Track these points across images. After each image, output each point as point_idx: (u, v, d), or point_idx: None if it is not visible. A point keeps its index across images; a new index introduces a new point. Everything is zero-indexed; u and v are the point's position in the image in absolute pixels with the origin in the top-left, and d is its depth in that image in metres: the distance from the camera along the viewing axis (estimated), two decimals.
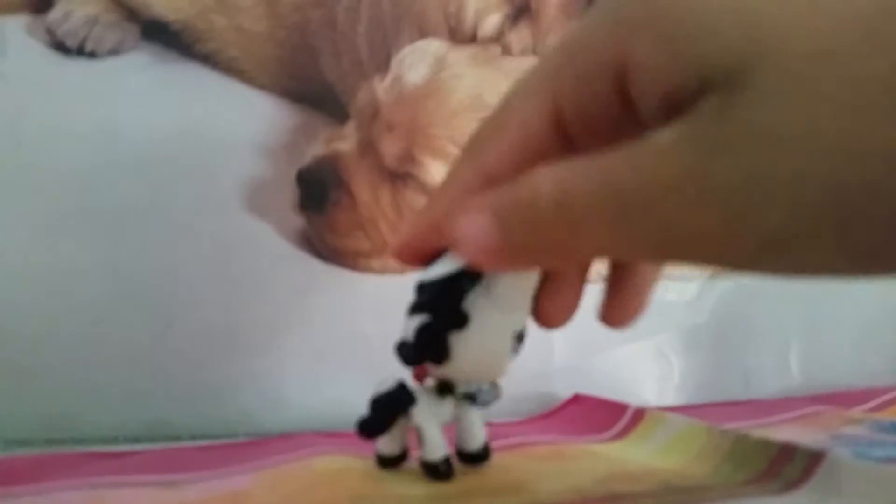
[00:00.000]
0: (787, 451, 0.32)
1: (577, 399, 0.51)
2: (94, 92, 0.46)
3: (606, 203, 0.16)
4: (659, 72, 0.16)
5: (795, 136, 0.14)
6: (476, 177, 0.20)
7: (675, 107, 0.16)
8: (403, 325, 0.25)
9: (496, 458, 0.36)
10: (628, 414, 0.44)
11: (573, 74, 0.18)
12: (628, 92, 0.17)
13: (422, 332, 0.25)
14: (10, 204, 0.42)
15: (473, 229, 0.18)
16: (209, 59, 0.50)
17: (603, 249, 0.17)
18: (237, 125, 0.48)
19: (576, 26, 0.19)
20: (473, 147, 0.21)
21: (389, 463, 0.30)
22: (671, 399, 0.59)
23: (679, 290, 0.62)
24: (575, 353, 0.57)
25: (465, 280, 0.24)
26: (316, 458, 0.32)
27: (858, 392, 0.58)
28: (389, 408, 0.28)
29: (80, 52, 0.47)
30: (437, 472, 0.29)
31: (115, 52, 0.48)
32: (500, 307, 0.25)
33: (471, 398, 0.30)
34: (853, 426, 0.45)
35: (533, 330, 0.58)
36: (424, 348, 0.25)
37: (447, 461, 0.29)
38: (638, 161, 0.16)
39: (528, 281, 0.25)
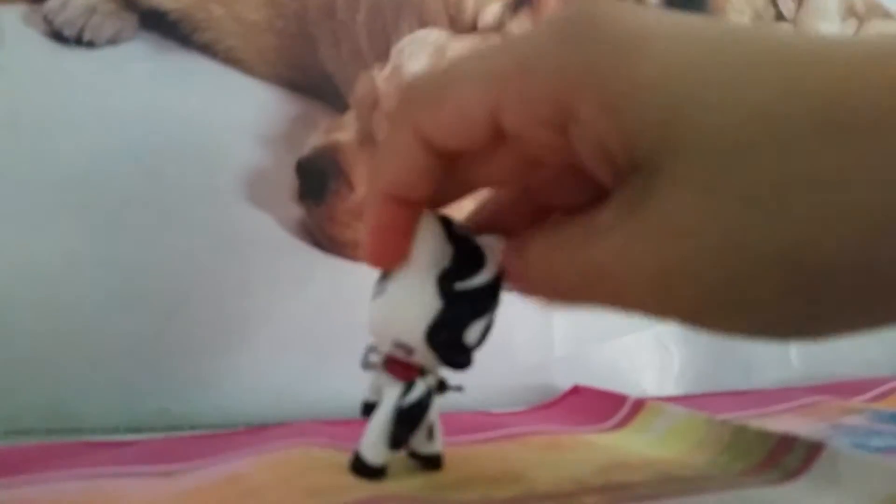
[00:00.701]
0: (786, 442, 0.32)
1: (576, 390, 0.51)
2: (92, 82, 0.45)
3: (571, 273, 0.19)
4: (600, 138, 0.18)
5: (694, 230, 0.16)
6: (417, 145, 0.21)
7: (612, 166, 0.18)
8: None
9: (495, 448, 0.36)
10: (627, 404, 0.44)
11: (519, 90, 0.19)
12: (568, 133, 0.19)
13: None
14: (9, 195, 0.42)
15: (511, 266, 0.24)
16: (207, 49, 0.50)
17: (580, 304, 0.21)
18: (236, 115, 0.48)
19: (524, 37, 0.20)
20: (410, 111, 0.22)
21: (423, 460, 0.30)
22: (671, 389, 0.59)
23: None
24: (575, 344, 0.57)
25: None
26: (315, 447, 0.32)
27: (858, 382, 0.59)
28: (422, 412, 0.28)
29: (78, 41, 0.47)
30: (440, 462, 0.30)
31: (113, 41, 0.48)
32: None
33: (442, 386, 0.29)
34: (852, 416, 0.45)
35: (533, 321, 0.58)
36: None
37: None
38: (587, 241, 0.18)
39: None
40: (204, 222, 0.46)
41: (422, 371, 0.28)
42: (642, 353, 0.60)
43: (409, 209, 0.24)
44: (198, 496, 0.27)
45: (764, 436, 0.33)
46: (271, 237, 0.46)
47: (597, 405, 0.46)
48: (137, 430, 0.41)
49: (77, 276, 0.43)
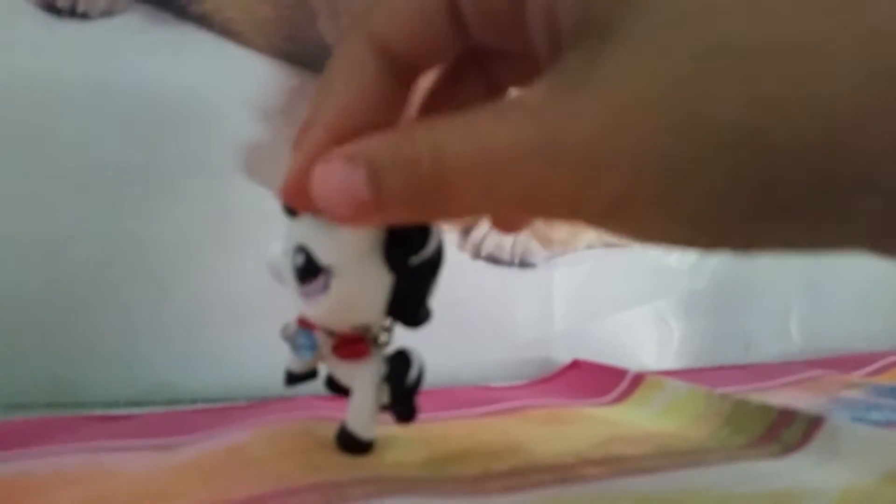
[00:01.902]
0: (786, 416, 0.32)
1: (576, 364, 0.52)
2: (87, 54, 0.45)
3: (477, 166, 0.16)
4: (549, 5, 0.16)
5: (641, 102, 0.14)
6: (373, 57, 0.19)
7: (555, 35, 0.16)
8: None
9: (495, 422, 0.36)
10: (627, 378, 0.44)
11: None
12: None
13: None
14: (4, 169, 0.41)
15: (342, 181, 0.17)
16: (204, 21, 0.49)
17: (476, 208, 0.17)
18: (232, 87, 0.48)
19: None
20: (363, 20, 0.20)
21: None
22: (671, 364, 0.60)
23: (679, 255, 0.61)
24: (574, 319, 0.57)
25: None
26: (315, 421, 0.32)
27: (857, 356, 0.59)
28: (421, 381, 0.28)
29: (73, 13, 0.46)
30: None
31: (107, 13, 0.47)
32: None
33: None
34: (852, 390, 0.45)
35: (533, 295, 0.58)
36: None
37: None
38: (506, 122, 0.16)
39: None
40: (202, 195, 0.46)
41: (375, 341, 0.27)
42: (642, 328, 0.60)
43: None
44: (198, 468, 0.27)
45: (764, 409, 0.33)
46: (269, 210, 0.46)
47: (596, 379, 0.46)
48: (137, 403, 0.41)
49: (75, 250, 0.42)
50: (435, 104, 0.23)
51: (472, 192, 0.16)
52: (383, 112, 0.20)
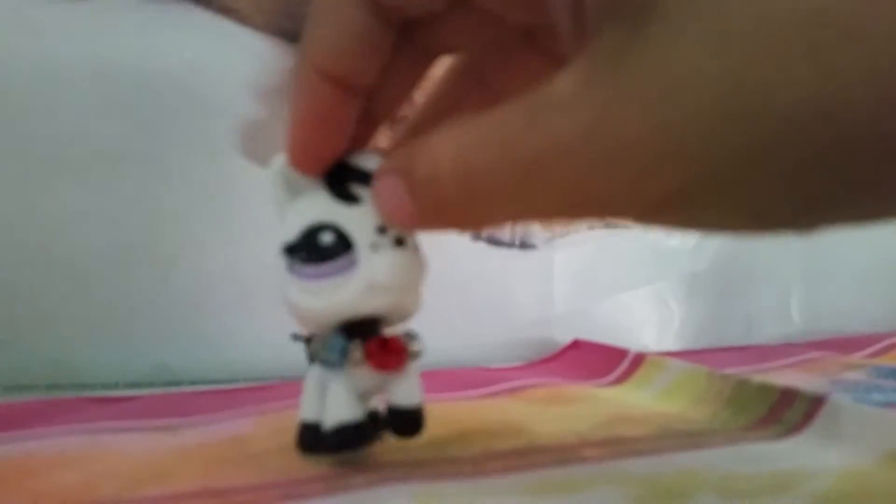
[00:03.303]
0: (787, 396, 0.32)
1: (576, 344, 0.52)
2: (83, 33, 0.44)
3: (507, 172, 0.15)
4: None
5: (697, 87, 0.12)
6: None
7: (581, 16, 0.14)
8: None
9: (496, 403, 0.36)
10: (628, 359, 0.44)
11: None
12: None
13: None
14: (1, 150, 0.41)
15: (390, 193, 0.18)
16: None
17: (512, 216, 0.16)
18: (231, 67, 0.47)
19: None
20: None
21: None
22: (671, 345, 0.60)
23: (680, 236, 0.61)
24: (575, 300, 0.57)
25: None
26: None
27: (859, 338, 0.59)
28: None
29: None
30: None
31: None
32: None
33: None
34: (853, 371, 0.45)
35: (533, 276, 0.58)
36: None
37: None
38: (535, 120, 0.14)
39: None
40: (201, 177, 0.45)
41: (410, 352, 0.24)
42: (643, 309, 0.60)
43: (348, 96, 0.19)
44: (199, 453, 0.27)
45: (765, 390, 0.33)
46: (268, 191, 0.46)
47: (597, 359, 0.46)
48: (137, 385, 0.41)
49: (74, 232, 0.42)
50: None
51: (506, 202, 0.15)
52: (372, 52, 0.19)
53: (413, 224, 0.18)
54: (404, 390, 0.25)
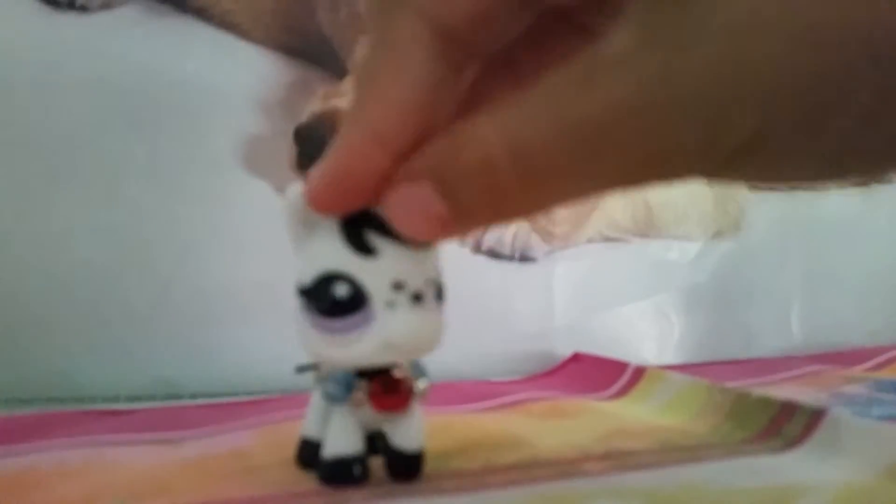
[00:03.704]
0: (787, 410, 0.32)
1: (576, 357, 0.52)
2: (85, 47, 0.45)
3: (566, 142, 0.13)
4: None
5: (766, 24, 0.12)
6: (428, 38, 0.16)
7: None
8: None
9: (496, 416, 0.36)
10: (628, 372, 0.44)
11: None
12: None
13: None
14: (4, 162, 0.41)
15: (412, 202, 0.16)
16: (203, 13, 0.49)
17: (573, 193, 0.15)
18: (232, 81, 0.47)
19: None
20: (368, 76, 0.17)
21: None
22: (671, 358, 0.59)
23: (680, 250, 0.61)
24: (575, 313, 0.57)
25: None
26: None
27: (859, 351, 0.59)
28: None
29: (71, 5, 0.46)
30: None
31: (107, 5, 0.47)
32: None
33: None
34: (853, 385, 0.45)
35: (534, 289, 0.58)
36: None
37: None
38: (589, 83, 0.13)
39: None
40: (201, 190, 0.45)
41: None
42: (642, 322, 0.60)
43: (391, 160, 0.17)
44: (199, 466, 0.27)
45: (766, 403, 0.33)
46: (268, 205, 0.46)
47: (597, 373, 0.46)
48: (138, 398, 0.41)
49: (75, 245, 0.42)
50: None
51: (566, 176, 0.14)
52: (438, 106, 0.17)
53: (444, 230, 0.16)
54: (404, 432, 0.24)
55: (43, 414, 0.34)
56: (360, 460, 0.24)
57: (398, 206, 0.16)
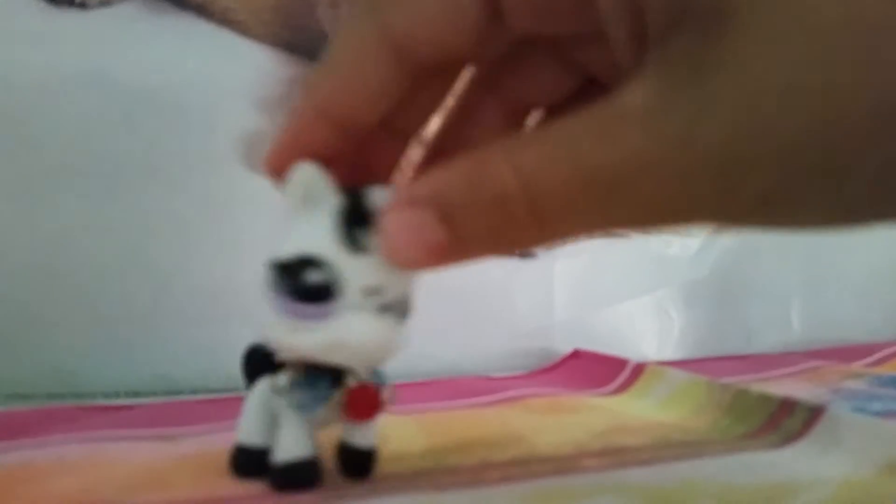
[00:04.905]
0: (786, 405, 0.32)
1: (576, 354, 0.52)
2: (85, 44, 0.44)
3: (582, 189, 0.14)
4: None
5: (784, 92, 0.12)
6: (384, 53, 0.17)
7: (639, 26, 0.14)
8: None
9: (495, 412, 0.36)
10: (628, 368, 0.44)
11: None
12: None
13: None
14: (3, 160, 0.41)
15: (411, 227, 0.16)
16: (202, 10, 0.49)
17: (582, 232, 0.15)
18: (231, 78, 0.47)
19: None
20: (375, 4, 0.17)
21: None
22: (671, 354, 0.59)
23: (680, 245, 0.61)
24: (575, 309, 0.57)
25: None
26: None
27: (858, 347, 0.59)
28: None
29: (71, 2, 0.46)
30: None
31: (106, 2, 0.47)
32: None
33: None
34: (853, 381, 0.45)
35: (534, 285, 0.58)
36: None
37: None
38: (609, 135, 0.14)
39: None
40: (201, 188, 0.45)
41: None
42: (643, 318, 0.60)
43: (342, 141, 0.18)
44: (198, 462, 0.27)
45: (765, 399, 0.33)
46: (268, 201, 0.46)
47: (597, 369, 0.46)
48: (137, 394, 0.41)
49: (74, 242, 0.42)
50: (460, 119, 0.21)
51: (579, 219, 0.15)
52: (384, 99, 0.18)
53: (438, 259, 0.16)
54: (364, 431, 0.24)
55: (43, 410, 0.34)
56: (315, 463, 0.23)
57: (396, 229, 0.16)
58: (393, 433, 0.30)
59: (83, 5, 0.46)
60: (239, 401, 0.37)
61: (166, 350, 0.43)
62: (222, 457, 0.27)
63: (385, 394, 0.24)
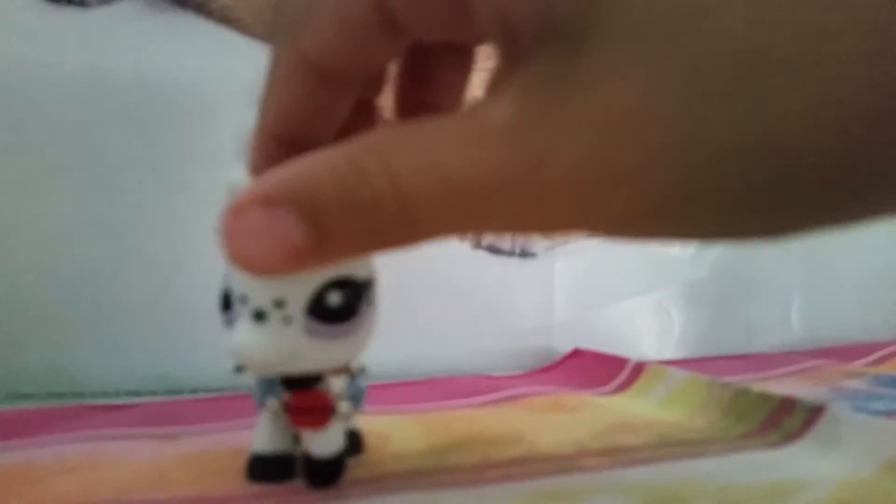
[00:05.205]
0: (786, 404, 0.32)
1: (576, 353, 0.52)
2: (85, 42, 0.44)
3: (449, 198, 0.14)
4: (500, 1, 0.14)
5: (635, 119, 0.12)
6: (302, 70, 0.18)
7: (513, 40, 0.14)
8: None
9: (496, 411, 0.36)
10: (628, 368, 0.44)
11: None
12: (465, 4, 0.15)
13: None
14: (2, 157, 0.41)
15: (266, 230, 0.15)
16: (202, 8, 0.49)
17: (455, 235, 0.15)
18: (231, 76, 0.47)
19: None
20: (287, 28, 0.18)
21: None
22: (671, 353, 0.59)
23: (680, 245, 0.61)
24: (575, 309, 0.57)
25: None
26: None
27: (858, 346, 0.59)
28: None
29: (70, 1, 0.46)
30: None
31: (105, 1, 0.47)
32: None
33: None
34: (853, 380, 0.45)
35: (533, 284, 0.58)
36: None
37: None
38: (472, 148, 0.13)
39: None
40: (201, 185, 0.45)
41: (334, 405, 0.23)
42: (643, 318, 0.60)
43: (295, 149, 0.18)
44: (199, 460, 0.27)
45: (765, 398, 0.33)
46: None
47: (597, 368, 0.46)
48: (137, 393, 0.41)
49: (74, 240, 0.42)
50: (408, 95, 0.21)
51: (448, 224, 0.14)
52: (318, 112, 0.19)
53: (299, 262, 0.15)
54: (320, 438, 0.23)
55: (43, 409, 0.34)
56: (283, 459, 0.24)
57: (245, 233, 0.15)
58: (394, 432, 0.30)
59: (83, 3, 0.46)
60: (239, 400, 0.37)
61: (166, 349, 0.43)
62: (223, 456, 0.27)
63: (342, 408, 0.23)
